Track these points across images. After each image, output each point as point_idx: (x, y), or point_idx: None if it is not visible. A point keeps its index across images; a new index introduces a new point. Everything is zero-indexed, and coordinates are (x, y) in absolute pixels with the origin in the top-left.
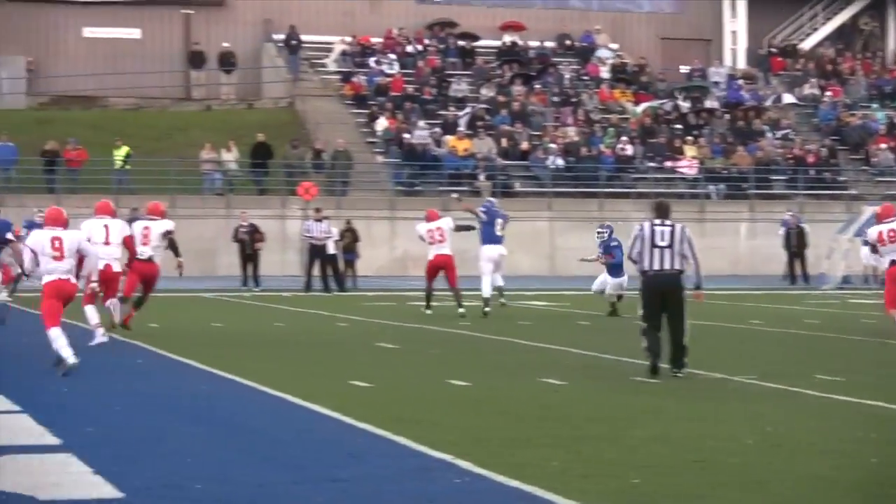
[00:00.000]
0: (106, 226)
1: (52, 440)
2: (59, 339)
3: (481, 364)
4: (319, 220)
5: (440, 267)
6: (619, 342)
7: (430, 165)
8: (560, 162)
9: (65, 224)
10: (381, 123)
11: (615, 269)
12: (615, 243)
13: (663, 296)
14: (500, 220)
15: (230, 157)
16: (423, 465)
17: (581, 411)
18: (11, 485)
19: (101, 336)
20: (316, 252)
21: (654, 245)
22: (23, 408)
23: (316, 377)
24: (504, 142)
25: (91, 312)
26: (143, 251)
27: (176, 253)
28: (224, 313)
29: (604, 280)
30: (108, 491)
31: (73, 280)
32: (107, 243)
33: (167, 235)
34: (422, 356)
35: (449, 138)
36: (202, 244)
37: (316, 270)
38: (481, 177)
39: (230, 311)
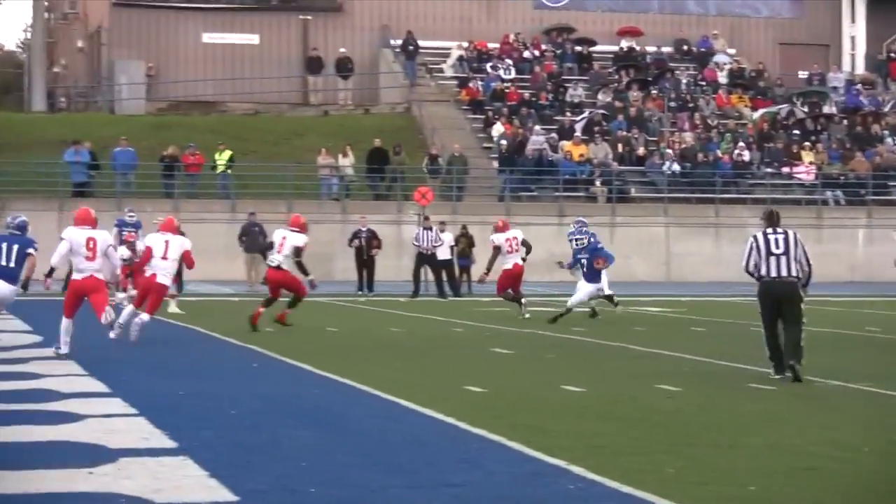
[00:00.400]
0: (167, 241)
1: (169, 443)
2: (66, 331)
3: (596, 370)
4: (428, 229)
5: (516, 275)
6: (735, 348)
7: (546, 171)
8: (676, 167)
9: (94, 224)
10: (497, 129)
11: (595, 275)
12: (601, 245)
13: (780, 303)
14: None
15: (346, 162)
16: (536, 471)
17: (696, 417)
18: (129, 487)
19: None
20: (424, 258)
21: (769, 253)
22: (139, 411)
23: (430, 382)
24: (620, 147)
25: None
26: (275, 259)
27: (304, 272)
28: (339, 318)
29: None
30: (224, 494)
31: (99, 276)
32: (164, 258)
33: (300, 250)
34: (536, 361)
35: (565, 143)
36: (318, 249)
37: (429, 276)
38: (597, 182)
39: (345, 315)
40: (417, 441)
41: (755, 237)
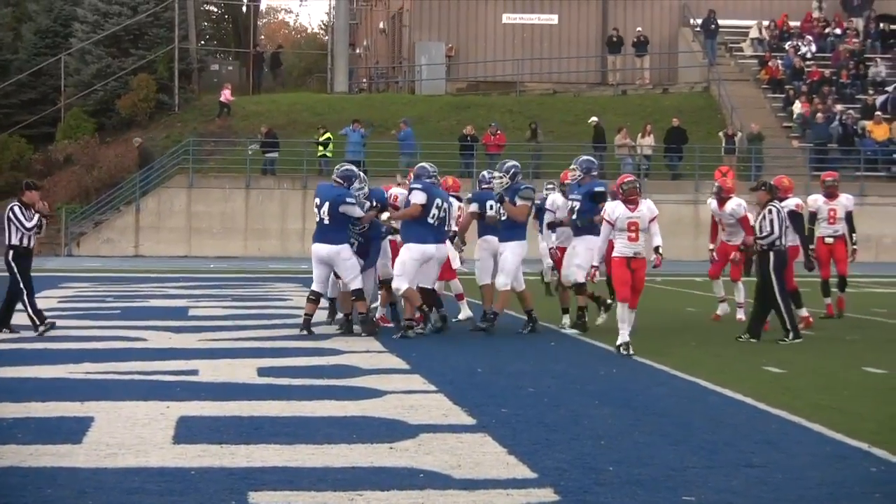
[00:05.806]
0: None
1: (468, 420)
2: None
3: None
4: None
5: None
6: None
7: (847, 149)
8: None
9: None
10: (797, 107)
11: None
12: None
13: None
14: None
15: (646, 142)
16: (838, 453)
17: None
18: (428, 463)
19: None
20: None
21: None
22: (438, 387)
23: (728, 362)
24: None
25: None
26: None
27: None
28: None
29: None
30: (522, 471)
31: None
32: None
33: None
34: (836, 343)
35: (866, 123)
36: None
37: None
38: None
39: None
40: (716, 421)
41: None
